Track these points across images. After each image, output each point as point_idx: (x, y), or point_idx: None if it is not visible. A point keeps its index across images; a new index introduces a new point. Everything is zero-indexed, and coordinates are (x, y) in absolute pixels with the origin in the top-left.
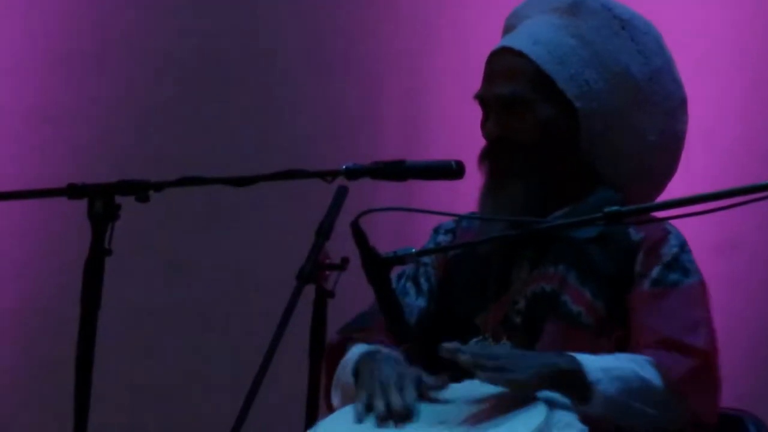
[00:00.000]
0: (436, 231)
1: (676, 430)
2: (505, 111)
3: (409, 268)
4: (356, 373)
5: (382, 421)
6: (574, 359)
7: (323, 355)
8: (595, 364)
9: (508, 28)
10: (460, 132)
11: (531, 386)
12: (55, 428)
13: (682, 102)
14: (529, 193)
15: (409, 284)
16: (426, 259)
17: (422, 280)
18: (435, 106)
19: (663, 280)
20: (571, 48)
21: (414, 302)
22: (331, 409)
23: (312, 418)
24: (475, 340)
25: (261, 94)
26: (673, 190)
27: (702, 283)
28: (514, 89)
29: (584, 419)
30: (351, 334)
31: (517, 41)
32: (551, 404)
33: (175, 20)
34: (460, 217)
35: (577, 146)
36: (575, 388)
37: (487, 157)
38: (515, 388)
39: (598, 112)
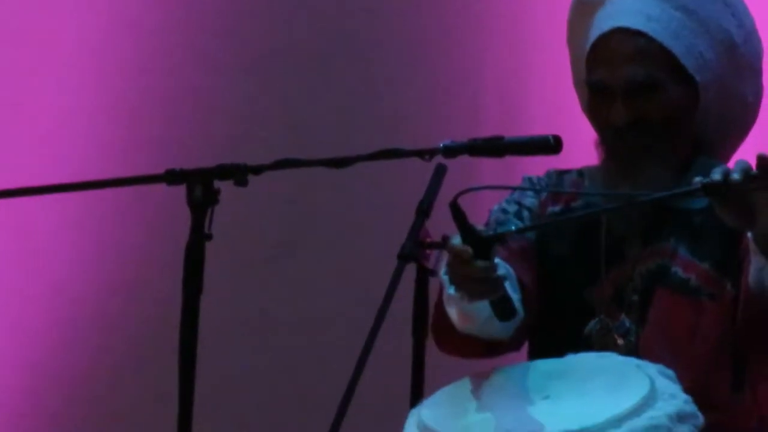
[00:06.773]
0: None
1: None
2: (635, 94)
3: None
4: None
5: None
6: None
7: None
8: None
9: (594, 4)
10: (559, 109)
11: None
12: (160, 414)
13: (762, 57)
14: (665, 171)
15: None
16: (527, 201)
17: (525, 214)
18: (534, 84)
19: None
20: (679, 21)
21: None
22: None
23: (416, 397)
24: (593, 322)
25: (359, 74)
26: None
27: None
28: (647, 72)
29: None
30: None
31: (631, 20)
32: (652, 377)
33: (272, 6)
34: (573, 193)
35: (695, 118)
36: None
37: (619, 141)
38: None
39: (712, 83)
